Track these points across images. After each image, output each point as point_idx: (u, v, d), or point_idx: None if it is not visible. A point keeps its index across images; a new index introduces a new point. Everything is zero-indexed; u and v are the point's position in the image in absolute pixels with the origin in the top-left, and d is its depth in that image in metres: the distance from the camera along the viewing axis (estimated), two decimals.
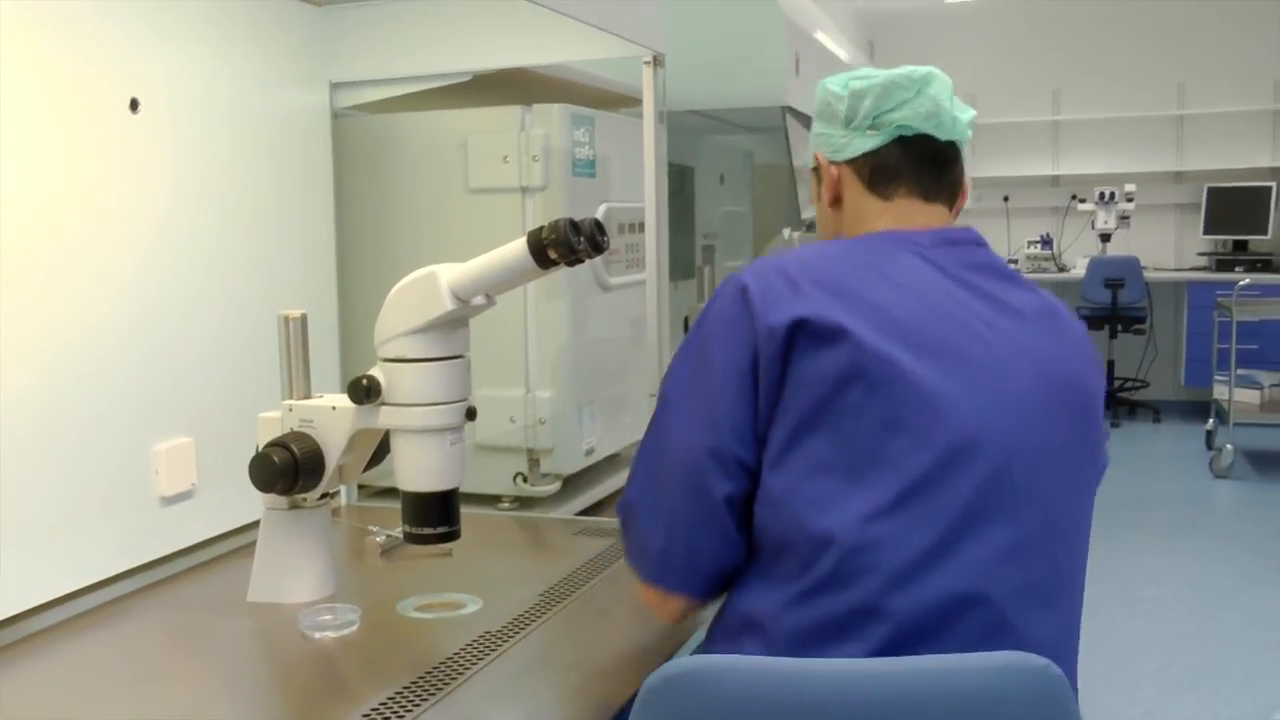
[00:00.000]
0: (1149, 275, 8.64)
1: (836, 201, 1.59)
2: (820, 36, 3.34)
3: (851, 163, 1.57)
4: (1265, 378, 7.29)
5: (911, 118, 1.53)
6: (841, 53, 3.63)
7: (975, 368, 1.37)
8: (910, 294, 1.41)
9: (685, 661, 1.22)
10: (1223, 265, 8.76)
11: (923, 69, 1.53)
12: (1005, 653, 1.23)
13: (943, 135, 1.53)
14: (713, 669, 1.22)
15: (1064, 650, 1.36)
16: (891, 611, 1.27)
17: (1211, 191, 9.00)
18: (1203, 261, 9.04)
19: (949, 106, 1.52)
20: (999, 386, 1.37)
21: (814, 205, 1.65)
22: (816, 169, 1.60)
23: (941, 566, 1.29)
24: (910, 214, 1.54)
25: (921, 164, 1.54)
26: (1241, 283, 7.30)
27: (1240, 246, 8.96)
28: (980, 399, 1.35)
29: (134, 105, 1.70)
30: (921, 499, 1.31)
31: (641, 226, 2.09)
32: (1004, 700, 1.19)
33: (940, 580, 1.29)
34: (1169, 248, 9.44)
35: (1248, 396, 7.21)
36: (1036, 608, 1.33)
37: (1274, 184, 8.86)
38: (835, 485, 1.33)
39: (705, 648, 1.45)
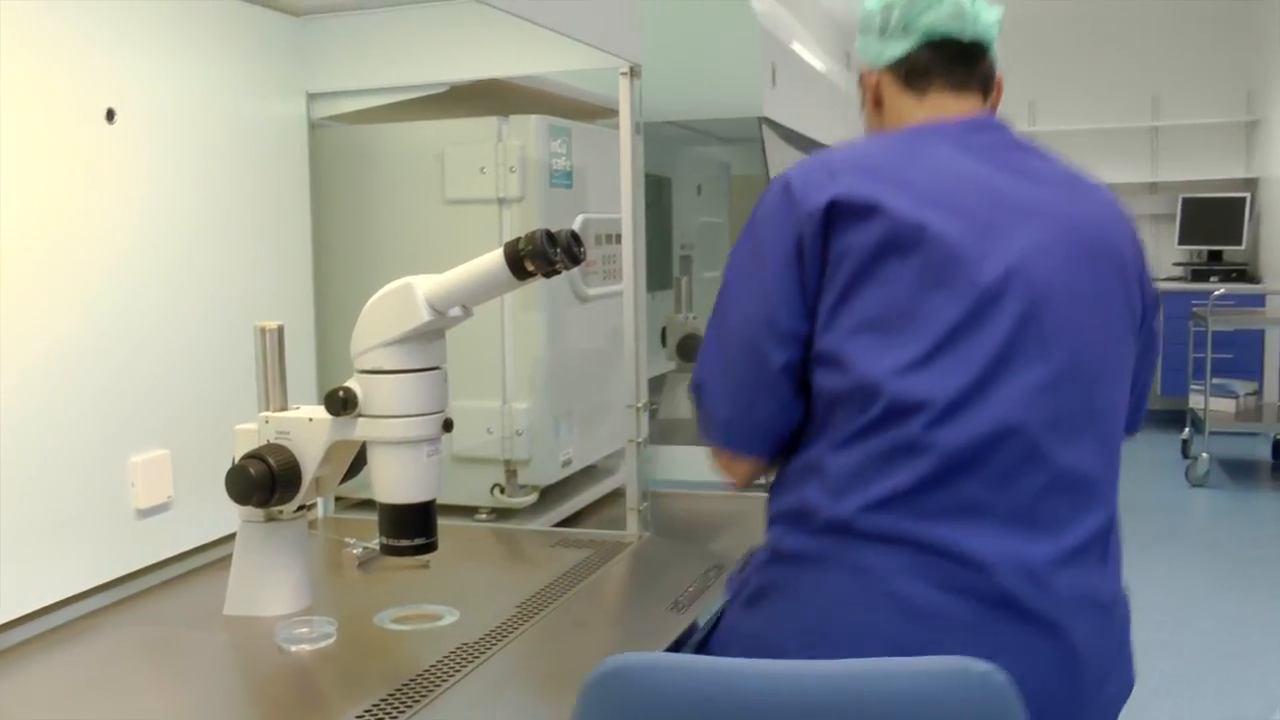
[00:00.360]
0: None
1: (878, 105, 1.76)
2: (797, 47, 3.35)
3: (889, 68, 1.74)
4: (1240, 387, 7.35)
5: (937, 20, 1.70)
6: (818, 63, 3.64)
7: (1003, 226, 1.51)
8: (940, 171, 1.57)
9: (623, 658, 1.23)
10: (1198, 275, 8.82)
11: None
12: (947, 658, 1.25)
13: (968, 34, 1.70)
14: (650, 666, 1.24)
15: (1096, 479, 1.51)
16: (934, 445, 1.43)
17: (1186, 202, 9.06)
18: (1178, 271, 9.10)
19: (971, 7, 1.70)
20: (1026, 241, 1.51)
21: (866, 120, 1.80)
22: (862, 80, 1.78)
23: (978, 404, 1.44)
24: (944, 107, 1.70)
25: (951, 61, 1.71)
26: (1216, 292, 7.36)
27: (1215, 256, 9.03)
28: (1008, 253, 1.49)
29: (110, 115, 1.70)
30: (958, 346, 1.46)
31: (619, 237, 2.09)
32: (943, 705, 1.20)
33: (978, 416, 1.44)
34: None
35: (1223, 405, 7.26)
36: (1066, 438, 1.47)
37: (1248, 195, 8.93)
38: (880, 341, 1.48)
39: (772, 498, 1.62)
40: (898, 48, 1.73)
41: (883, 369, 1.46)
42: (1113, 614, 1.52)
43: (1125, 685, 1.56)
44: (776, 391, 1.57)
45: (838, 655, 1.29)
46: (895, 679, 1.22)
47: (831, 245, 1.52)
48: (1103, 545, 1.52)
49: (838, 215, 1.51)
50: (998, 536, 1.43)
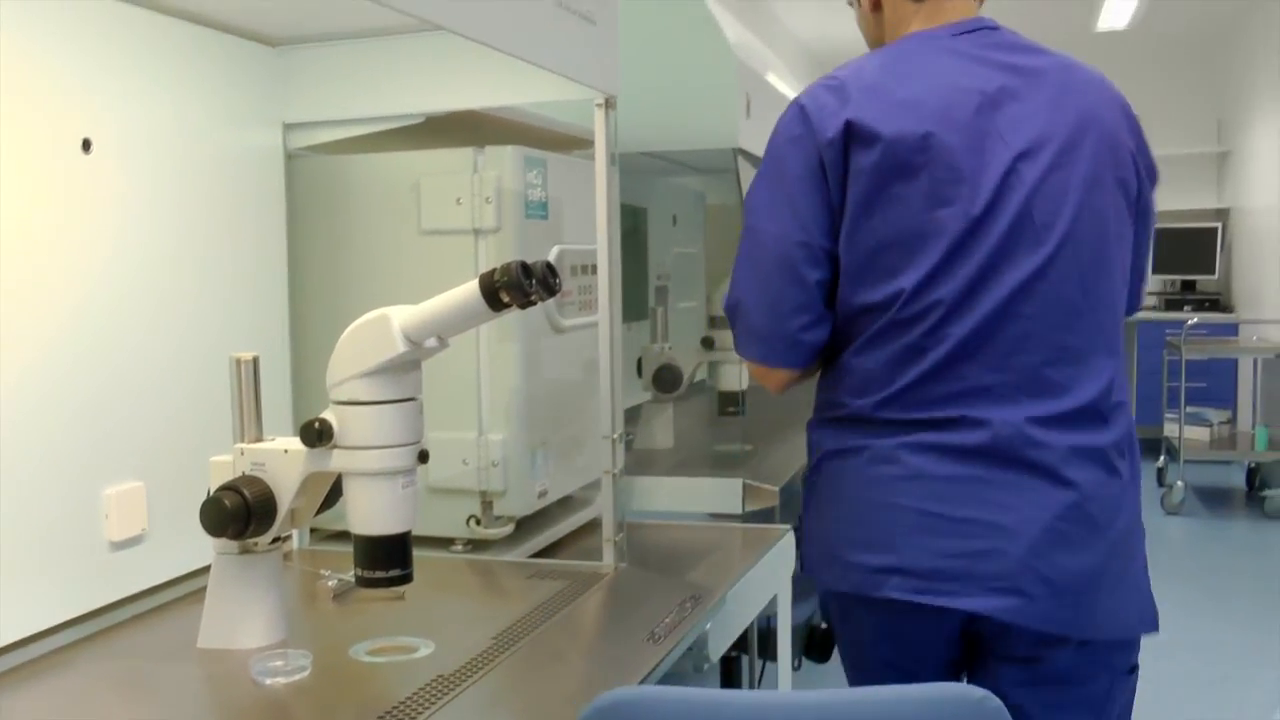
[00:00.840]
0: None
1: (876, 8, 1.89)
2: (772, 78, 3.37)
3: None
4: (1214, 415, 7.39)
5: None
6: (793, 94, 3.67)
7: (998, 132, 1.67)
8: (940, 85, 1.70)
9: (616, 693, 1.22)
10: (1171, 305, 8.88)
11: None
12: (946, 684, 1.29)
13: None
14: (645, 700, 1.24)
15: (1093, 353, 1.70)
16: (949, 335, 1.65)
17: (1159, 232, 9.09)
18: (1152, 301, 9.16)
19: None
20: (1019, 141, 1.67)
21: (861, 21, 1.95)
22: None
23: (982, 296, 1.64)
24: (939, 12, 1.82)
25: None
26: (1190, 322, 7.41)
27: (1188, 286, 9.10)
28: (1003, 157, 1.66)
29: (86, 146, 1.70)
30: (964, 252, 1.65)
31: (594, 268, 2.10)
32: None
33: (979, 308, 1.64)
34: None
35: (1197, 434, 7.29)
36: (1063, 319, 1.67)
37: (1219, 225, 9.01)
38: (896, 257, 1.66)
39: (818, 403, 1.84)
40: None
41: (899, 284, 1.66)
42: (1116, 467, 1.71)
43: (1135, 519, 1.75)
44: (811, 306, 1.73)
45: (877, 543, 1.68)
46: (893, 707, 1.22)
47: (850, 165, 1.68)
48: (1100, 410, 1.70)
49: (852, 139, 1.67)
50: (998, 406, 1.65)
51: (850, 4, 2.02)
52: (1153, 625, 1.78)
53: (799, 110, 1.74)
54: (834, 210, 1.70)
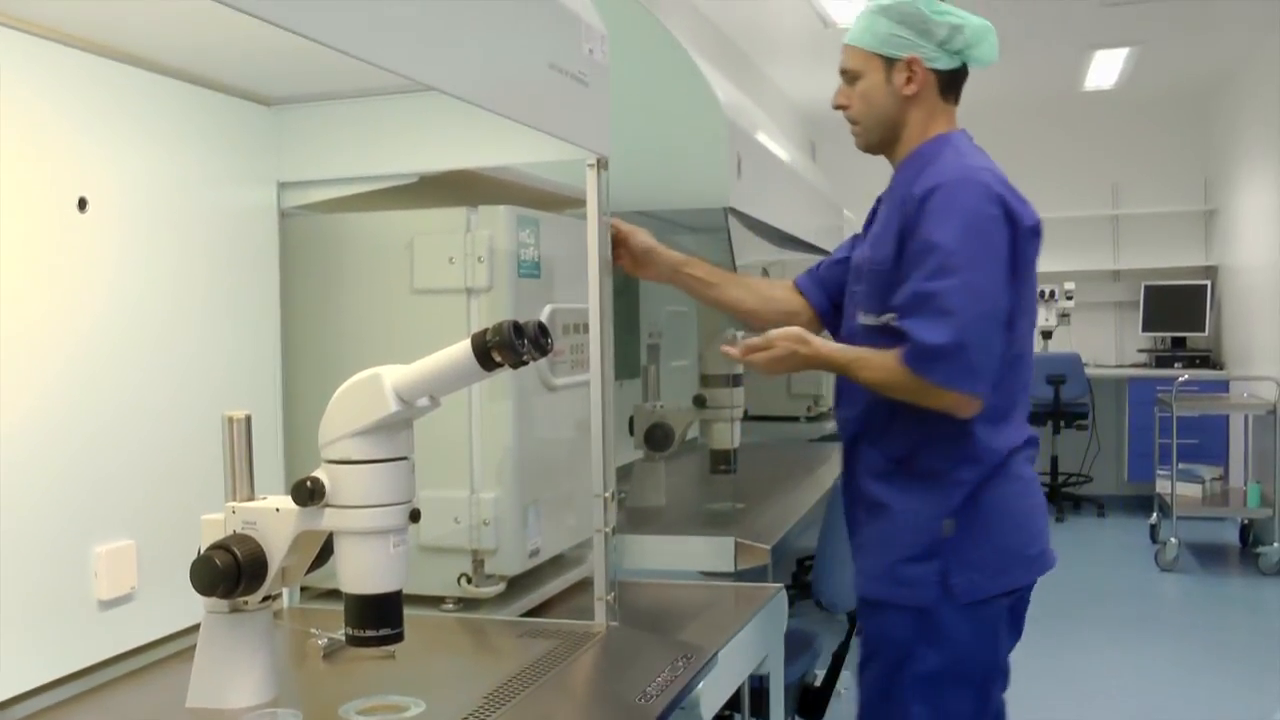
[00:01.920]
0: (1090, 371, 8.77)
1: (914, 93, 2.34)
2: (762, 138, 3.40)
3: (936, 72, 2.34)
4: (1206, 472, 7.39)
5: (982, 56, 2.35)
6: (783, 154, 3.70)
7: None
8: None
9: None
10: (1162, 361, 8.91)
11: (985, 21, 2.34)
12: None
13: (980, 68, 2.37)
14: None
15: None
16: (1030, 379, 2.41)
17: (1149, 289, 9.18)
18: (1142, 358, 9.20)
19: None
20: None
21: (877, 91, 2.36)
22: (891, 61, 2.33)
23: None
24: (954, 118, 2.41)
25: (962, 84, 2.41)
26: (1181, 379, 7.43)
27: (1179, 343, 9.13)
28: None
29: (82, 205, 1.71)
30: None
31: (587, 327, 2.11)
32: None
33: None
34: (1109, 344, 9.60)
35: (1190, 490, 7.30)
36: None
37: (1209, 282, 9.05)
38: (1024, 321, 2.30)
39: (952, 452, 2.29)
40: (949, 62, 2.34)
41: (1025, 341, 2.31)
42: None
43: None
44: (1001, 354, 2.22)
45: (1039, 534, 2.36)
46: None
47: (1024, 252, 2.23)
48: None
49: (1031, 233, 2.25)
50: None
51: (845, 74, 2.40)
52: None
53: (1000, 201, 2.21)
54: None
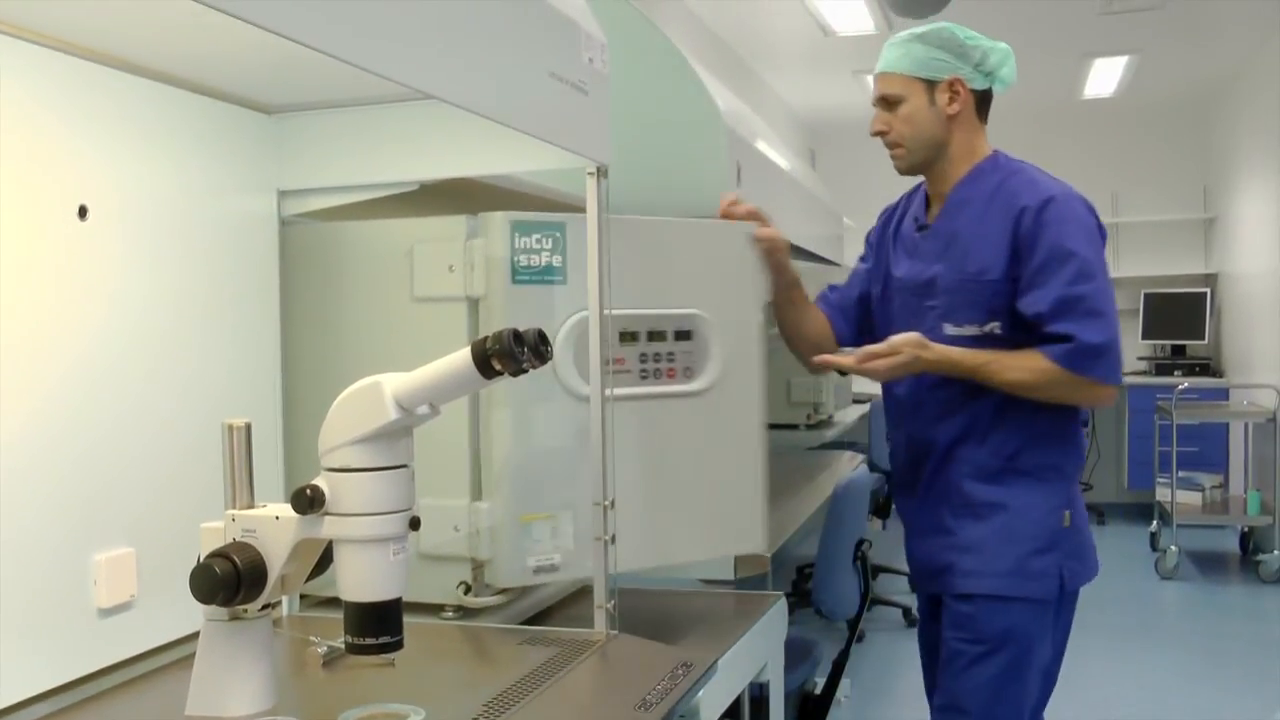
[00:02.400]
0: None
1: (955, 113, 2.48)
2: (762, 146, 3.40)
3: (974, 92, 2.50)
4: (1206, 480, 7.39)
5: (1006, 77, 2.52)
6: (783, 162, 3.70)
7: None
8: None
9: None
10: (1162, 369, 8.91)
11: (1006, 44, 2.51)
12: None
13: (1001, 90, 2.55)
14: None
15: None
16: None
17: (1148, 297, 9.18)
18: (1142, 366, 9.19)
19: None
20: None
21: (921, 113, 2.49)
22: (933, 84, 2.47)
23: None
24: (985, 136, 2.57)
25: (990, 105, 2.56)
26: (1181, 387, 7.43)
27: (1179, 351, 9.13)
28: None
29: (83, 213, 1.71)
30: None
31: (637, 334, 2.11)
32: None
33: None
34: None
35: (1190, 498, 7.30)
36: None
37: (1208, 290, 9.05)
38: None
39: (1054, 463, 2.51)
40: (983, 83, 2.50)
41: None
42: None
43: None
44: None
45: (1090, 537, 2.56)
46: None
47: None
48: None
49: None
50: None
51: (883, 101, 2.53)
52: None
53: (1091, 210, 2.46)
54: None
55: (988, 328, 2.44)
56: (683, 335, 2.27)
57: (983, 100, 2.53)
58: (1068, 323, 2.35)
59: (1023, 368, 2.38)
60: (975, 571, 2.47)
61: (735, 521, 2.36)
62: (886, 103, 2.52)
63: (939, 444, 2.53)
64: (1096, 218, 2.44)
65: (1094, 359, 2.36)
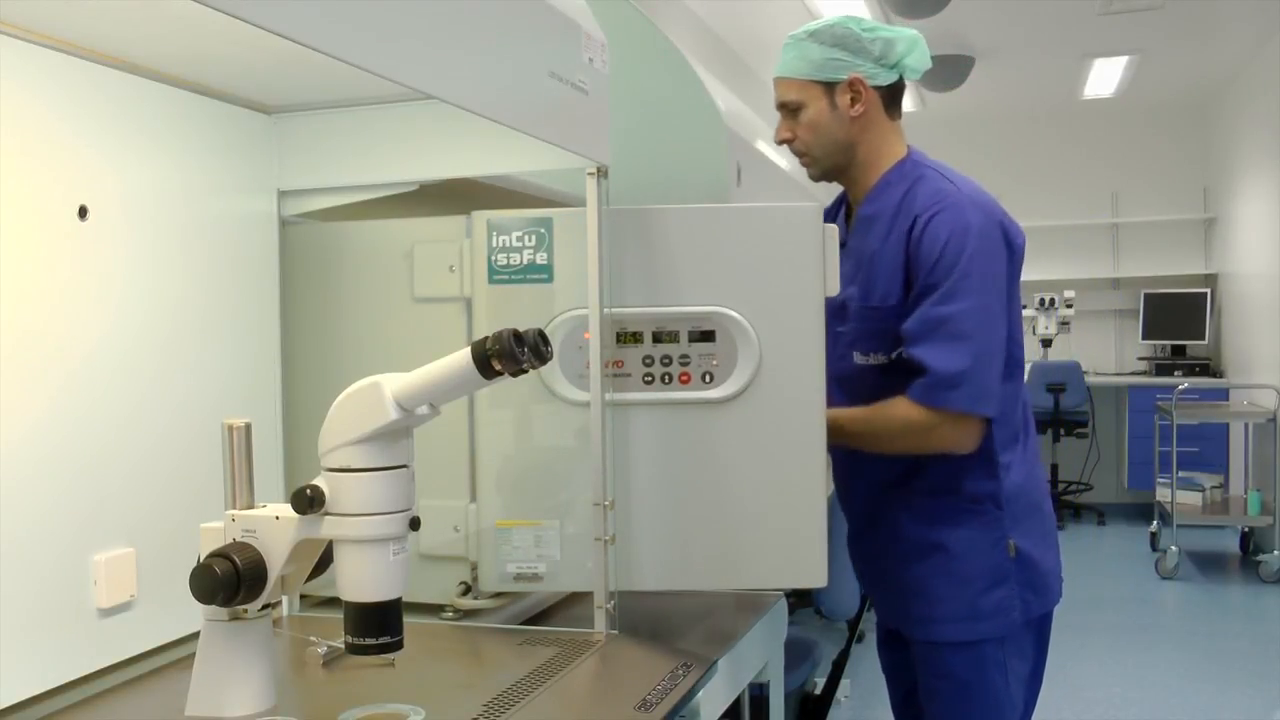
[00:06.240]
0: (1090, 379, 8.77)
1: (860, 114, 2.28)
2: (761, 146, 3.40)
3: (879, 89, 2.29)
4: (1206, 480, 7.39)
5: (916, 64, 2.29)
6: (783, 162, 3.70)
7: None
8: None
9: None
10: (1162, 370, 8.91)
11: (914, 31, 2.30)
12: None
13: (914, 79, 2.33)
14: None
15: None
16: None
17: (1148, 297, 9.18)
18: (1142, 366, 9.19)
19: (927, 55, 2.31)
20: None
21: (823, 117, 2.29)
22: (831, 85, 2.27)
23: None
24: (903, 135, 2.35)
25: (901, 98, 2.36)
26: (1180, 387, 7.43)
27: (1178, 351, 9.13)
28: None
29: (83, 213, 1.71)
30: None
31: (639, 335, 2.11)
32: None
33: None
34: (1109, 352, 9.60)
35: (1189, 499, 7.29)
36: None
37: (1208, 290, 9.05)
38: (1016, 346, 2.24)
39: (1005, 483, 2.29)
40: (888, 76, 2.28)
41: (1017, 360, 2.25)
42: None
43: None
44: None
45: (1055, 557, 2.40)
46: None
47: (1014, 272, 2.24)
48: None
49: (1018, 251, 2.24)
50: None
51: (784, 107, 2.32)
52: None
53: (999, 227, 2.19)
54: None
55: (894, 356, 2.24)
56: (701, 336, 2.07)
57: (892, 95, 2.31)
58: (924, 347, 2.15)
59: (891, 432, 2.22)
60: (929, 618, 2.32)
61: (784, 548, 2.08)
62: (786, 109, 2.33)
63: (885, 482, 2.36)
64: (1003, 227, 2.18)
65: (948, 389, 2.13)
